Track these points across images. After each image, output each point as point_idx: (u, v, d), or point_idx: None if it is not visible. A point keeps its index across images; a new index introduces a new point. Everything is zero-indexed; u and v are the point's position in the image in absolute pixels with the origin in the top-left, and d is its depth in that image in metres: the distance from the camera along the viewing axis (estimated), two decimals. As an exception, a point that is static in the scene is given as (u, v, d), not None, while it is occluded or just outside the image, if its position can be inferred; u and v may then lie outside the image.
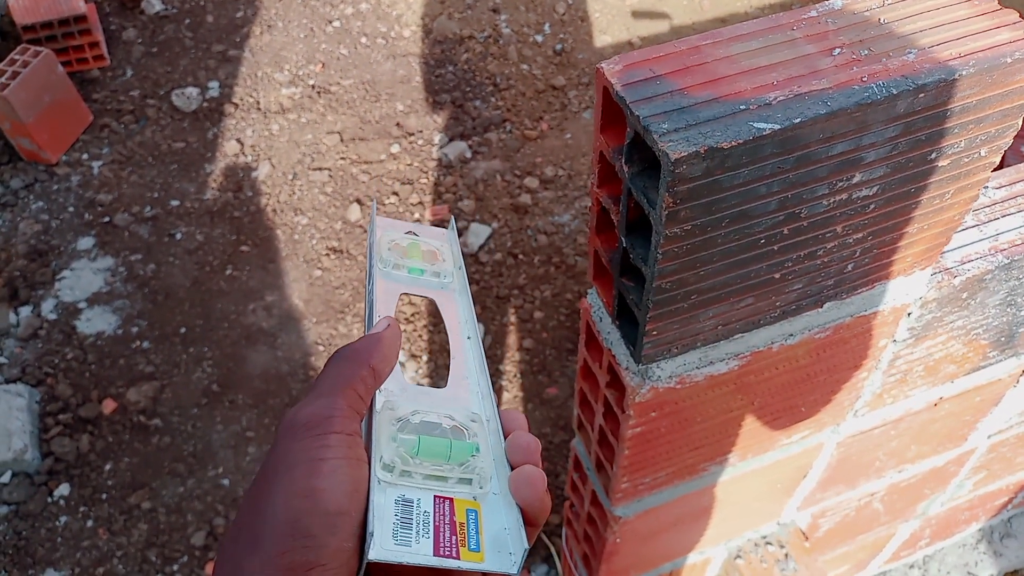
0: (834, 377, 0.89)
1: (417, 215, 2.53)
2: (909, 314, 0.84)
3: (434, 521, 0.43)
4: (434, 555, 0.41)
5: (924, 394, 1.04)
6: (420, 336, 2.26)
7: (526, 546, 0.43)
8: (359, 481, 0.42)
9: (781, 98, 0.55)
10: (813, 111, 0.54)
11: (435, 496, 0.44)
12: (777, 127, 0.54)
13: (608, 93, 0.59)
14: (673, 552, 1.15)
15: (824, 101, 0.55)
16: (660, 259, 0.60)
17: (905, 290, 0.80)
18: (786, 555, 1.24)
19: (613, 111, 0.60)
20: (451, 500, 0.44)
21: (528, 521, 0.44)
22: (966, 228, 0.85)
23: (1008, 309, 0.92)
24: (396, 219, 0.61)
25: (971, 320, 0.92)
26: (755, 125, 0.54)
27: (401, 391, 0.50)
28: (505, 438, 0.49)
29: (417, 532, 0.42)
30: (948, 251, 0.83)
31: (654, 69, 0.58)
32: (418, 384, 0.53)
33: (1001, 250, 0.84)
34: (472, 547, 0.42)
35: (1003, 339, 0.99)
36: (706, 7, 3.13)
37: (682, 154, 0.52)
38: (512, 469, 0.47)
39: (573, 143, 2.71)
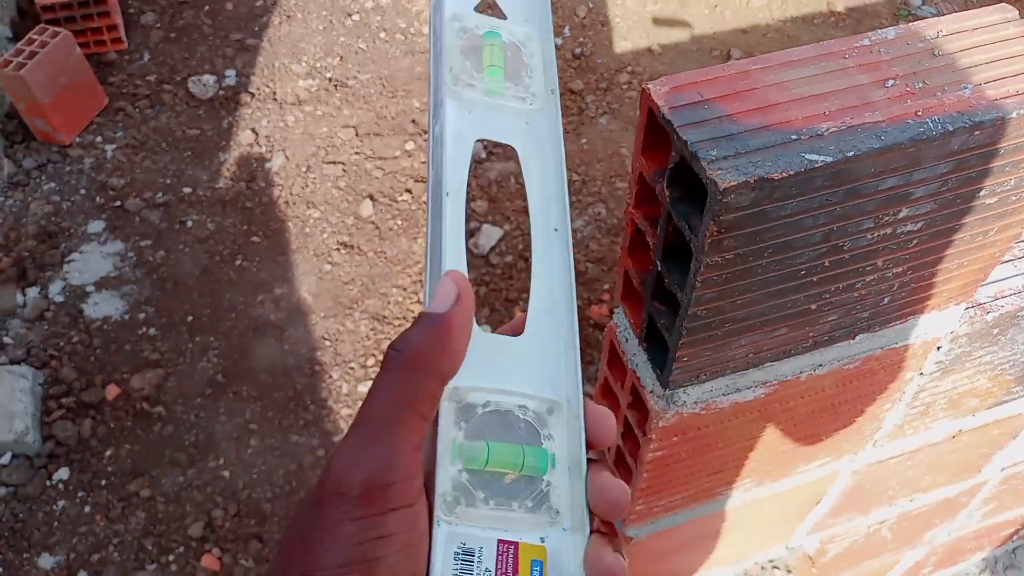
0: (858, 407, 0.88)
1: (429, 214, 2.51)
2: (939, 348, 0.83)
3: None
4: None
5: (944, 426, 1.02)
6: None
7: None
8: (421, 568, 0.35)
9: (833, 129, 0.54)
10: (867, 145, 0.53)
11: (499, 541, 0.37)
12: (829, 159, 0.52)
13: (653, 115, 0.57)
14: (682, 573, 1.13)
15: (877, 135, 0.54)
16: (698, 287, 0.59)
17: (937, 324, 0.79)
18: (793, 580, 1.23)
19: (657, 133, 0.58)
20: (516, 546, 0.37)
21: None
22: (1001, 263, 0.84)
23: (1037, 346, 0.91)
24: None
25: (999, 355, 0.90)
26: (807, 157, 0.52)
27: (468, 352, 0.40)
28: (589, 447, 0.39)
29: None
30: (982, 286, 0.82)
31: (702, 93, 0.56)
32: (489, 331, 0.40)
33: (1035, 287, 0.82)
34: None
35: (1028, 375, 0.98)
36: (728, 18, 3.11)
37: (731, 183, 0.51)
38: (589, 509, 0.38)
39: (589, 148, 2.69)
